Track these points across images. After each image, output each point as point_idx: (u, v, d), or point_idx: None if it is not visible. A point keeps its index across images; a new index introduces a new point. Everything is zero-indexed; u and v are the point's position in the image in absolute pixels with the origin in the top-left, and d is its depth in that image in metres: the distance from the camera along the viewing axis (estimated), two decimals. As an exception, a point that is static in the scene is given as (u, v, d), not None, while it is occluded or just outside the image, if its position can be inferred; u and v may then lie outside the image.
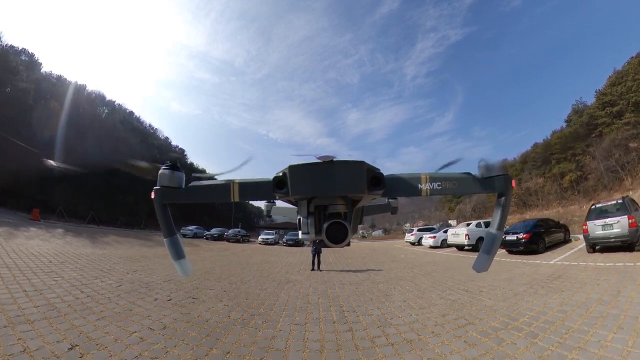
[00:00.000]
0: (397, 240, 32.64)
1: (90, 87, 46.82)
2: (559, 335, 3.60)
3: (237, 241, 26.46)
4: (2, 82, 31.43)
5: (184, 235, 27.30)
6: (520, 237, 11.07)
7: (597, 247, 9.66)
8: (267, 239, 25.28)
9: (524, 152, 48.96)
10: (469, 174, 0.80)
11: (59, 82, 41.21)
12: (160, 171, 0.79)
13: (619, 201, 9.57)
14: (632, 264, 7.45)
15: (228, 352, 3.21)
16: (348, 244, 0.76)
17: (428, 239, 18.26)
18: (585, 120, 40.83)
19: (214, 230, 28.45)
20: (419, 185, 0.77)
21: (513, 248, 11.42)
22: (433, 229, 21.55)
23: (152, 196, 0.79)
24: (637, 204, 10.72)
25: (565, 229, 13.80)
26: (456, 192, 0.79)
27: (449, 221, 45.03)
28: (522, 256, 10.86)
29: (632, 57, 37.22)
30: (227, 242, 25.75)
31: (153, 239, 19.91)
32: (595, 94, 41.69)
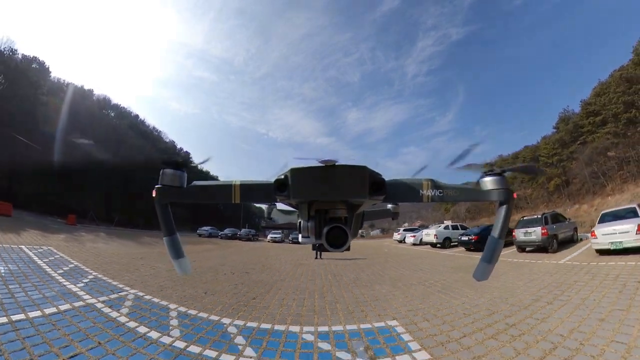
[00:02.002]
0: (392, 239, 36.43)
1: (96, 91, 47.25)
2: (441, 288, 7.24)
3: (249, 240, 30.22)
4: (25, 97, 33.55)
5: (200, 235, 30.82)
6: (471, 238, 14.76)
7: (527, 249, 13.12)
8: (275, 237, 29.10)
9: (516, 152, 51.18)
10: (470, 184, 0.82)
11: (69, 89, 41.89)
12: (162, 170, 0.80)
13: (539, 216, 13.09)
14: (534, 261, 10.99)
15: (279, 289, 6.88)
16: (348, 249, 0.77)
17: (409, 238, 22.05)
18: (571, 128, 43.92)
19: (227, 230, 32.18)
20: (421, 191, 0.77)
21: (466, 246, 15.13)
22: (416, 229, 25.25)
23: (154, 195, 0.80)
24: (563, 217, 14.22)
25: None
26: (457, 200, 0.79)
27: (444, 222, 48.43)
28: (473, 252, 14.52)
29: (615, 70, 39.58)
30: (239, 241, 29.48)
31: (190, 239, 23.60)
32: (580, 103, 42.39)
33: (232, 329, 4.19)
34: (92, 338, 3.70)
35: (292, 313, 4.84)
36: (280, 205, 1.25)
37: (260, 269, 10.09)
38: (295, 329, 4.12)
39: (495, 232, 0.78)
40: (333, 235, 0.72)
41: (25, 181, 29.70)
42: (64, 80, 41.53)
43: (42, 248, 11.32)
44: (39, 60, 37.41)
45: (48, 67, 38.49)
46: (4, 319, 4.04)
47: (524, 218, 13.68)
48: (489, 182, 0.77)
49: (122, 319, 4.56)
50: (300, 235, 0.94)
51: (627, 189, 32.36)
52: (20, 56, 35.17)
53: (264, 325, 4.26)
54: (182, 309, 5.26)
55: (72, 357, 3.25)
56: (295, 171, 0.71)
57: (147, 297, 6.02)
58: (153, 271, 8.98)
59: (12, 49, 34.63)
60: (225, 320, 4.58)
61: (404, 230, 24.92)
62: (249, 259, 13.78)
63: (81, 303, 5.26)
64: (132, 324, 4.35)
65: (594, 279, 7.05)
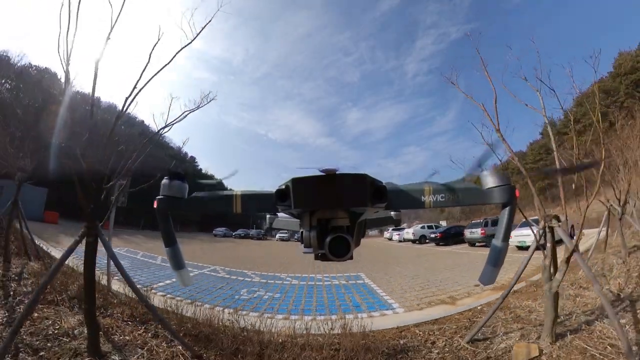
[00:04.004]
0: (384, 237, 41.12)
1: (103, 98, 47.92)
2: (395, 263, 11.86)
3: (259, 239, 34.86)
4: (48, 111, 36.39)
5: (215, 235, 35.20)
6: (437, 235, 19.42)
7: (475, 244, 17.61)
8: (283, 237, 33.76)
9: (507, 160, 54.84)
10: (472, 184, 0.81)
11: (82, 99, 44.95)
12: (163, 181, 0.81)
13: (481, 220, 17.63)
14: (471, 251, 15.42)
15: (300, 264, 11.48)
16: (351, 258, 0.78)
17: (396, 236, 26.74)
18: (554, 135, 47.94)
19: (240, 231, 36.76)
20: (422, 197, 0.77)
21: (435, 241, 19.77)
22: (402, 228, 29.80)
23: (155, 205, 0.80)
24: None
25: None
26: (460, 204, 0.79)
27: (440, 222, 52.45)
28: (441, 246, 19.09)
29: (595, 82, 43.82)
30: (251, 240, 34.10)
31: (199, 238, 28.14)
32: (563, 111, 47.64)
33: (283, 276, 8.84)
34: (215, 284, 8.29)
35: (310, 271, 9.49)
36: (282, 215, 1.24)
37: (281, 256, 14.76)
38: (313, 275, 8.77)
39: (499, 236, 0.77)
40: (335, 244, 0.72)
41: (50, 190, 32.79)
42: (78, 90, 44.01)
43: (123, 248, 15.38)
44: (51, 71, 36.53)
45: (60, 78, 40.35)
46: (169, 281, 8.47)
47: (471, 222, 18.26)
48: (490, 182, 0.76)
49: (226, 276, 9.15)
50: (302, 246, 0.93)
51: (605, 194, 36.61)
52: (35, 70, 35.38)
53: (298, 274, 8.92)
54: (252, 271, 9.88)
55: (218, 289, 7.79)
56: (296, 181, 0.71)
57: (227, 268, 10.61)
58: (215, 258, 13.65)
59: (31, 64, 35.47)
60: (278, 274, 9.22)
61: (392, 229, 29.45)
62: (269, 252, 18.45)
63: (196, 272, 9.78)
64: (233, 277, 8.96)
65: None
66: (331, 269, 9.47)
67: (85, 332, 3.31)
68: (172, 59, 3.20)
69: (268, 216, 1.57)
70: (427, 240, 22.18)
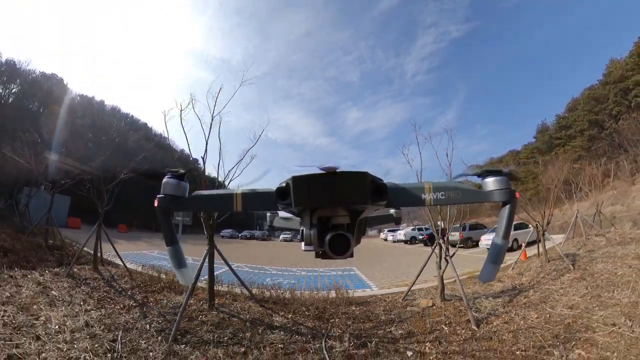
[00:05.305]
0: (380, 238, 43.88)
1: (105, 101, 44.97)
2: (382, 259, 14.65)
3: (264, 239, 37.69)
4: (60, 118, 36.27)
5: (222, 237, 37.75)
6: (424, 237, 22.23)
7: (456, 245, 20.35)
8: (286, 237, 36.53)
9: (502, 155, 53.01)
10: (472, 184, 0.82)
11: (89, 104, 40.97)
12: (164, 180, 0.82)
13: (458, 225, 20.41)
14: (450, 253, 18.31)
15: (305, 261, 14.30)
16: (351, 255, 0.79)
17: (390, 237, 29.64)
18: (547, 139, 49.65)
19: (245, 232, 39.59)
20: (423, 195, 0.78)
21: (423, 242, 22.57)
22: (395, 230, 32.66)
23: (155, 204, 0.81)
24: (483, 225, 21.51)
25: (459, 232, 24.84)
26: (460, 202, 0.81)
27: (438, 222, 54.58)
28: (426, 247, 21.83)
29: (585, 89, 43.53)
30: (256, 240, 36.90)
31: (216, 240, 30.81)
32: (555, 117, 47.07)
33: (293, 269, 11.67)
34: (245, 276, 11.09)
35: (313, 266, 12.31)
36: (283, 213, 1.26)
37: (288, 255, 17.58)
38: (316, 268, 11.61)
39: (499, 233, 0.78)
40: (336, 242, 0.73)
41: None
42: (77, 93, 41.12)
43: (154, 251, 17.84)
44: (57, 77, 38.12)
45: (66, 84, 38.89)
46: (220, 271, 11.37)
47: (453, 225, 20.98)
48: (490, 183, 0.78)
49: (250, 271, 11.97)
50: (302, 244, 0.93)
51: (592, 197, 38.43)
52: (41, 77, 35.83)
53: (306, 268, 11.75)
54: (269, 266, 12.70)
55: (253, 282, 10.54)
56: (296, 179, 0.72)
57: (250, 264, 13.42)
58: (233, 257, 16.43)
59: (43, 73, 36.45)
60: (290, 268, 12.03)
61: (387, 231, 32.23)
62: (276, 251, 21.27)
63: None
64: (255, 271, 11.78)
65: (457, 259, 14.36)
66: (330, 264, 12.26)
67: (191, 301, 6.10)
68: (240, 160, 5.94)
69: (268, 214, 1.61)
70: (416, 241, 24.98)
